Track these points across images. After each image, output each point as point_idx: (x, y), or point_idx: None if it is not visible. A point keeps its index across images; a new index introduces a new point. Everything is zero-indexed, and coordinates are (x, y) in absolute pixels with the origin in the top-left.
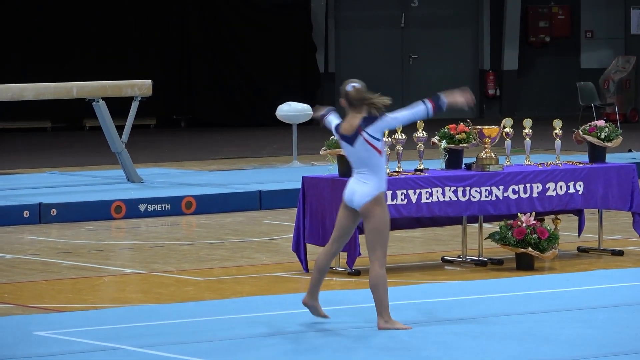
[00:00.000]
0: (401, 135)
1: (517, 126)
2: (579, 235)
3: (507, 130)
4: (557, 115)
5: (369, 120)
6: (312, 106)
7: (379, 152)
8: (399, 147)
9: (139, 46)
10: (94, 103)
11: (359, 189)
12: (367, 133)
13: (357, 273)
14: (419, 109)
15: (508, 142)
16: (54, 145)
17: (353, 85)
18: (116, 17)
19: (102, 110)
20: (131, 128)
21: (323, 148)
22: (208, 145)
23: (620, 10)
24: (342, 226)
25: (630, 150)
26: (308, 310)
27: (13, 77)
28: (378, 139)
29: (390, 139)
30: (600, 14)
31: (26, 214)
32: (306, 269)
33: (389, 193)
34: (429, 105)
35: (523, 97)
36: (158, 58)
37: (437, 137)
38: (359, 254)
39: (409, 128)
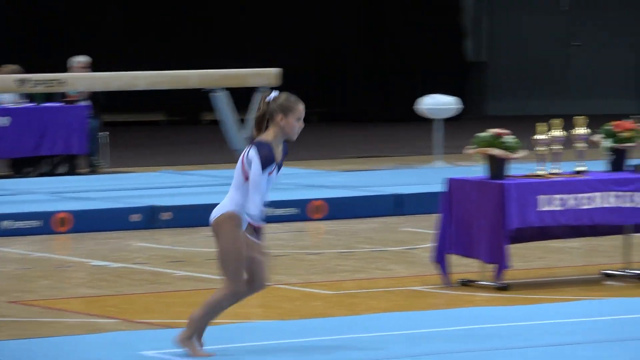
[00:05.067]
0: (559, 133)
1: None
2: None
3: None
4: None
5: (263, 149)
6: (461, 98)
7: (246, 176)
8: (557, 146)
9: (267, 32)
10: (213, 94)
11: (220, 204)
12: (248, 154)
13: (505, 287)
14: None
15: None
16: (168, 140)
17: (276, 94)
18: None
19: (223, 102)
20: None
21: (470, 146)
22: (341, 142)
23: None
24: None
25: None
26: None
27: (119, 64)
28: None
29: (547, 136)
30: None
31: (135, 217)
32: (449, 282)
33: (545, 197)
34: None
35: None
36: (288, 46)
37: (599, 134)
38: (508, 266)
39: (569, 124)
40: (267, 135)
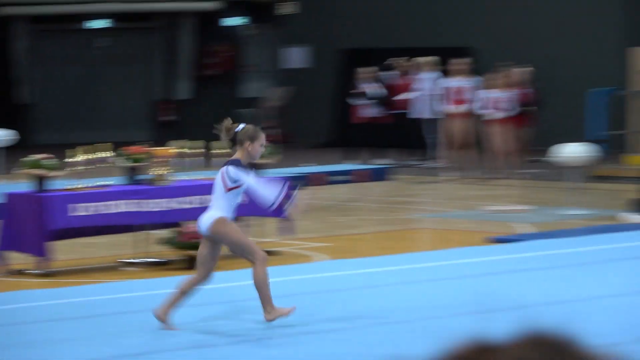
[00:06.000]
0: (88, 156)
1: (188, 148)
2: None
3: (178, 150)
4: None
5: (239, 165)
6: (18, 131)
7: (227, 189)
8: (85, 166)
9: None
10: None
11: (204, 216)
12: (228, 170)
13: (50, 274)
14: (266, 196)
15: (179, 160)
16: None
17: (243, 126)
18: None
19: None
20: None
21: (18, 168)
22: None
23: (278, 47)
24: (199, 253)
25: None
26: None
27: None
28: (233, 181)
29: (79, 159)
30: (261, 51)
31: None
32: (5, 272)
33: (75, 205)
34: (278, 202)
35: (195, 123)
36: None
37: (119, 156)
38: (50, 258)
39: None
40: (237, 156)
